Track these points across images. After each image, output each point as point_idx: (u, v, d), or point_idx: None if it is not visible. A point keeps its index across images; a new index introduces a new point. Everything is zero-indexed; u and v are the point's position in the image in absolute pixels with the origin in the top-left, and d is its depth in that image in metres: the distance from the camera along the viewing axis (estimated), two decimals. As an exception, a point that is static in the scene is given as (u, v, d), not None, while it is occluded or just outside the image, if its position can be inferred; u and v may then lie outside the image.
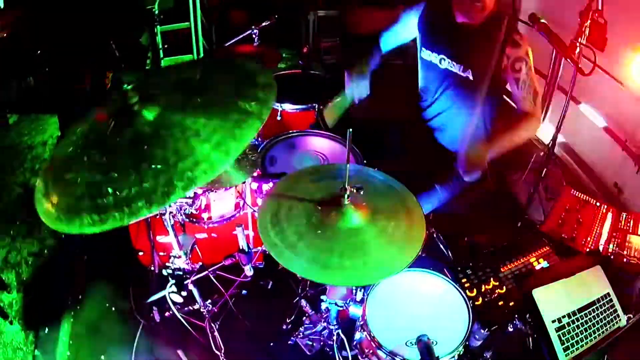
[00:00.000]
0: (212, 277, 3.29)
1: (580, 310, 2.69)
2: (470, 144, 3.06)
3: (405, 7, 3.50)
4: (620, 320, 2.77)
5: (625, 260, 3.15)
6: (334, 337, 3.06)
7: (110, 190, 1.81)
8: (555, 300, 2.68)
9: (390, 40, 3.65)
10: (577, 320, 2.66)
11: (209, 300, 3.35)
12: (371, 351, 2.62)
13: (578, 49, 3.34)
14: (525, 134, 3.20)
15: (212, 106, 2.08)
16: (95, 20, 5.53)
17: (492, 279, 2.94)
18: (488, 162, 2.99)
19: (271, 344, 3.53)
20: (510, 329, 2.77)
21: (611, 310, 2.77)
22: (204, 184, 1.85)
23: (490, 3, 3.08)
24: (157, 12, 6.57)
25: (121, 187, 1.81)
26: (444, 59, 3.32)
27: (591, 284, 2.80)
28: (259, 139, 3.91)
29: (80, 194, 1.85)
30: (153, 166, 1.85)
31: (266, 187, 3.30)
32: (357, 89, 3.45)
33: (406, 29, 3.55)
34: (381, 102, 3.76)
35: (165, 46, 6.95)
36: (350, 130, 2.19)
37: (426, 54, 3.43)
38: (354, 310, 2.79)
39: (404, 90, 3.74)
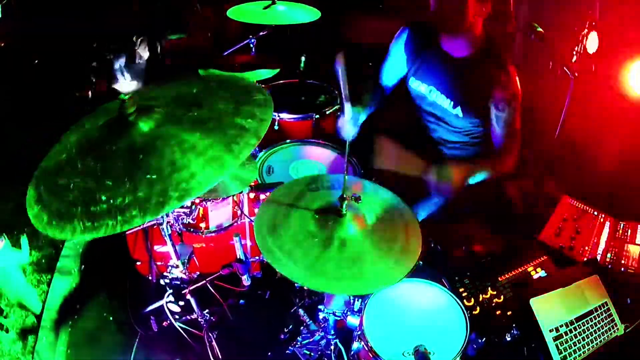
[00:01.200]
0: (210, 287, 3.28)
1: (577, 319, 2.69)
2: (444, 164, 3.03)
3: (398, 19, 3.48)
4: (617, 329, 2.76)
5: (622, 269, 3.16)
6: (332, 347, 3.06)
7: (103, 197, 1.82)
8: (552, 310, 2.68)
9: (389, 75, 3.61)
10: (575, 329, 2.65)
11: (207, 310, 3.34)
12: (368, 361, 2.62)
13: (575, 58, 3.35)
14: (498, 170, 3.18)
15: (210, 121, 2.09)
16: (96, 29, 5.55)
17: (489, 288, 2.93)
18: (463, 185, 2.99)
19: (269, 353, 3.52)
20: (508, 338, 2.77)
21: (609, 319, 2.77)
22: (199, 195, 1.86)
23: (477, 39, 3.10)
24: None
25: (115, 195, 1.83)
26: (433, 91, 3.32)
27: (589, 293, 2.80)
28: (257, 148, 3.91)
29: (72, 199, 1.87)
30: (148, 176, 1.86)
31: (263, 196, 3.30)
32: (343, 129, 3.15)
33: (399, 61, 3.52)
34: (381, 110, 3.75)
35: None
36: (349, 140, 2.20)
37: (415, 84, 3.42)
38: (352, 320, 2.79)
39: (403, 100, 3.74)
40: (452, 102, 3.24)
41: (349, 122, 3.01)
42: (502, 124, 3.13)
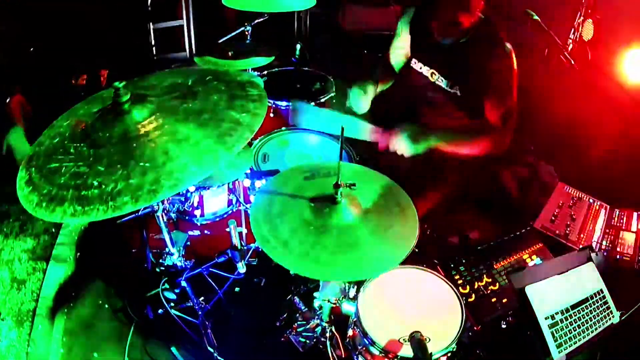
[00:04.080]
0: (205, 275, 3.28)
1: (573, 306, 2.69)
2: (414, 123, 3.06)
3: (397, 7, 3.48)
4: (613, 316, 2.77)
5: (618, 256, 3.16)
6: (327, 334, 3.06)
7: (95, 182, 1.82)
8: (548, 297, 2.68)
9: (398, 57, 3.64)
10: (570, 316, 2.66)
11: (202, 298, 3.34)
12: (364, 348, 2.62)
13: (571, 45, 3.35)
14: (481, 147, 3.16)
15: (204, 112, 2.09)
16: (90, 18, 5.52)
17: (485, 275, 2.94)
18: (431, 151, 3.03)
19: (264, 340, 3.52)
20: (504, 326, 2.78)
21: (604, 306, 2.77)
22: (193, 184, 1.87)
23: (467, 21, 3.08)
24: (149, 9, 6.54)
25: (107, 180, 1.83)
26: (435, 73, 3.32)
27: (584, 281, 2.80)
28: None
29: (63, 183, 1.87)
30: (141, 164, 1.86)
31: (259, 184, 3.29)
32: (354, 102, 3.40)
33: (406, 40, 3.53)
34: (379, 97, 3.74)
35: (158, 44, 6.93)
36: (343, 127, 2.20)
37: (417, 66, 3.43)
38: (347, 307, 2.79)
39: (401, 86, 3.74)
40: (450, 82, 3.24)
41: (357, 99, 3.28)
42: (496, 97, 3.12)
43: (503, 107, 3.10)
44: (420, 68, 3.41)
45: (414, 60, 3.46)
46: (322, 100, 4.39)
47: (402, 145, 2.98)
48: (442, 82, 3.30)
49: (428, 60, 3.37)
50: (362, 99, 3.37)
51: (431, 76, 3.35)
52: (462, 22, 3.04)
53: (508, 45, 3.11)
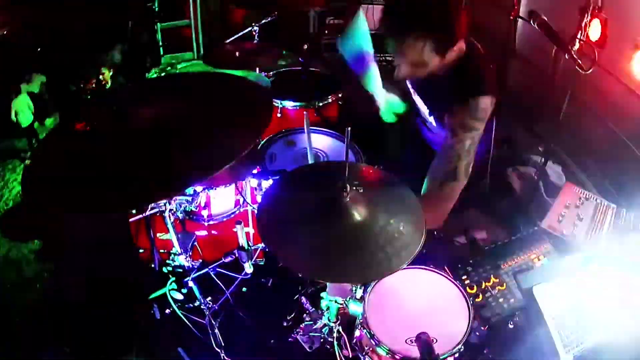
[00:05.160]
0: (213, 275, 3.29)
1: (581, 307, 2.69)
2: None
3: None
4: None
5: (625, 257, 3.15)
6: (334, 335, 3.06)
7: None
8: (555, 297, 2.68)
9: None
10: (578, 317, 2.66)
11: (209, 298, 3.34)
12: (371, 349, 2.62)
13: (578, 46, 3.33)
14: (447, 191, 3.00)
15: (210, 116, 2.11)
16: (98, 18, 5.55)
17: (492, 276, 2.94)
18: None
19: (271, 340, 3.53)
20: (511, 326, 2.77)
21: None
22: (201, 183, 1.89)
23: (453, 62, 2.94)
24: (157, 9, 6.57)
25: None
26: (417, 96, 3.31)
27: (592, 281, 2.80)
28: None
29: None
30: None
31: (266, 184, 3.29)
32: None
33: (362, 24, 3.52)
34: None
35: (166, 43, 6.95)
36: (349, 127, 2.19)
37: (409, 85, 3.43)
38: (354, 308, 2.79)
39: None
40: (428, 110, 3.23)
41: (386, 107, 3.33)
42: (443, 155, 2.95)
43: (447, 165, 2.93)
44: (410, 89, 3.40)
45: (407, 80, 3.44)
46: (330, 100, 4.40)
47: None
48: (421, 106, 3.29)
49: (414, 83, 3.35)
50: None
51: (416, 98, 3.34)
52: (432, 66, 2.88)
53: (487, 100, 2.89)
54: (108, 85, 5.51)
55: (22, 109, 4.53)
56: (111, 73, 5.57)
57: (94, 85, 5.32)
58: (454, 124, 2.90)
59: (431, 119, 3.20)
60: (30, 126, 4.64)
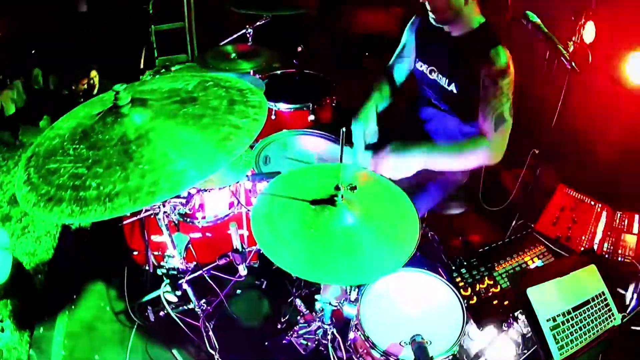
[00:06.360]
0: (207, 277, 3.28)
1: (574, 309, 2.68)
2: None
3: (397, 9, 3.46)
4: (615, 319, 2.76)
5: (620, 259, 3.16)
6: (329, 337, 3.06)
7: (93, 184, 1.83)
8: (549, 299, 2.67)
9: (402, 68, 3.60)
10: (572, 319, 2.65)
11: (204, 300, 3.34)
12: (365, 351, 2.62)
13: (572, 48, 3.33)
14: (473, 159, 3.06)
15: (204, 117, 2.10)
16: (91, 21, 5.54)
17: (486, 278, 2.94)
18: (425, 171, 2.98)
19: (266, 343, 3.53)
20: (505, 328, 2.77)
21: (606, 309, 2.77)
22: (193, 187, 1.88)
23: (471, 21, 3.07)
24: (151, 11, 6.55)
25: (106, 182, 1.83)
26: (434, 71, 3.32)
27: (586, 283, 2.80)
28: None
29: (62, 183, 1.87)
30: (140, 166, 1.87)
31: (260, 186, 3.29)
32: (362, 138, 3.25)
33: (409, 49, 3.50)
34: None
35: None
36: (344, 129, 2.19)
37: (419, 64, 3.42)
38: (348, 310, 2.80)
39: (404, 90, 3.73)
40: (447, 80, 3.23)
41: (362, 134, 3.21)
42: (488, 105, 3.02)
43: (493, 113, 3.02)
44: (421, 66, 3.41)
45: (417, 60, 3.45)
46: (324, 103, 4.41)
47: (388, 166, 2.94)
48: (440, 79, 3.29)
49: (428, 59, 3.36)
50: (366, 131, 3.30)
51: (430, 73, 3.34)
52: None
53: (505, 51, 3.01)
54: (96, 89, 5.51)
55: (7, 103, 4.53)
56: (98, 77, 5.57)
57: (85, 87, 5.32)
58: (487, 75, 3.00)
59: (451, 87, 3.20)
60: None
